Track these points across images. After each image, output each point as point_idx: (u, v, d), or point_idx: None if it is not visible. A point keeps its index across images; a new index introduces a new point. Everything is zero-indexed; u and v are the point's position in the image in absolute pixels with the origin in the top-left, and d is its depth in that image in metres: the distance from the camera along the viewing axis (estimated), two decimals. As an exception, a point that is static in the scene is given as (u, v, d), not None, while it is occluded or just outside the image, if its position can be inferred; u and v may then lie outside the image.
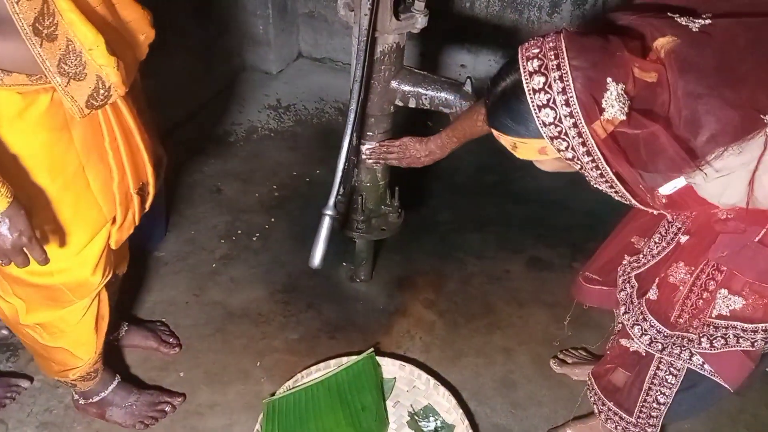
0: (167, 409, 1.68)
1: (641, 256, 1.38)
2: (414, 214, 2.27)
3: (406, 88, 1.53)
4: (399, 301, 2.07)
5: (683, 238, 1.22)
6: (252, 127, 2.79)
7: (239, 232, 2.27)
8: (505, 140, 1.01)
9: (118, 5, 1.06)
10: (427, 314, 2.04)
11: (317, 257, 1.38)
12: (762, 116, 0.90)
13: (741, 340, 1.17)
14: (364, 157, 1.69)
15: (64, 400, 1.69)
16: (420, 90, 1.52)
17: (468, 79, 1.51)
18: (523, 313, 2.05)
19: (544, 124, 0.91)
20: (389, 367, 1.80)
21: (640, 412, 1.41)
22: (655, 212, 1.17)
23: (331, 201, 1.37)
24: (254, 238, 2.25)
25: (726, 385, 1.25)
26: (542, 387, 1.84)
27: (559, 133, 0.91)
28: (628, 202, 1.03)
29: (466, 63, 2.95)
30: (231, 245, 2.21)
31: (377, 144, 1.66)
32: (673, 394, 1.34)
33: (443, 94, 1.51)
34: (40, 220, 1.13)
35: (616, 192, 1.00)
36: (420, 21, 1.44)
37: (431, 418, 1.71)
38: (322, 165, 2.59)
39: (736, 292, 1.14)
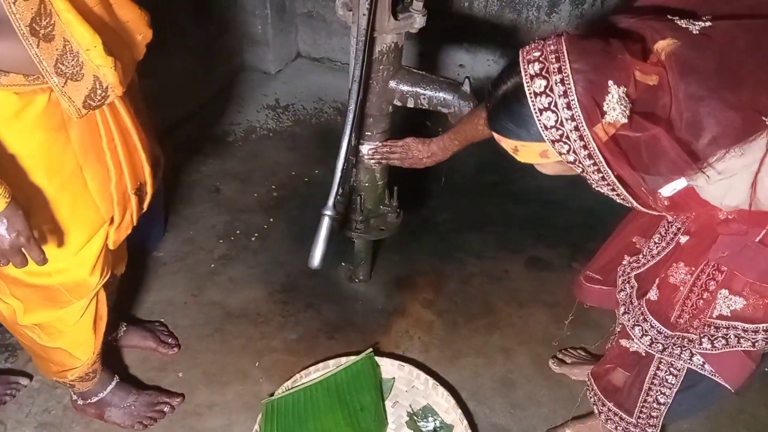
0: (166, 409, 1.68)
1: (641, 256, 1.38)
2: (413, 214, 2.27)
3: (405, 87, 1.53)
4: (398, 301, 2.07)
5: (683, 239, 1.22)
6: (251, 127, 2.79)
7: (238, 232, 2.27)
8: (507, 144, 1.01)
9: (116, 5, 1.06)
10: (426, 314, 2.04)
11: (317, 257, 1.38)
12: (763, 118, 0.90)
13: (742, 341, 1.17)
14: (364, 156, 1.69)
15: (62, 400, 1.69)
16: (418, 90, 1.52)
17: (466, 79, 1.51)
18: (523, 313, 2.05)
19: (546, 128, 0.91)
20: (388, 367, 1.80)
21: (641, 412, 1.41)
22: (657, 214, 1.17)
23: (331, 201, 1.37)
24: (253, 238, 2.25)
25: (727, 386, 1.25)
26: (541, 387, 1.84)
27: (561, 136, 0.91)
28: (629, 205, 1.03)
29: (464, 63, 2.95)
30: (230, 245, 2.21)
31: (380, 143, 1.66)
32: (674, 394, 1.34)
33: (441, 94, 1.51)
34: (37, 221, 1.13)
35: (618, 195, 1.00)
36: (418, 21, 1.44)
37: (430, 418, 1.71)
38: (320, 165, 2.59)
39: (737, 293, 1.14)
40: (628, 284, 1.40)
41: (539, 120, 0.91)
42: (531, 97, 0.91)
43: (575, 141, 0.91)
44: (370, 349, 1.81)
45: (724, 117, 0.89)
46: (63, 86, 0.98)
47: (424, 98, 1.52)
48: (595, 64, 0.88)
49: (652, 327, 1.27)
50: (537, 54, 0.91)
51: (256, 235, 2.26)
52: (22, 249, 1.02)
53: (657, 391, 1.36)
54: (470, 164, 2.54)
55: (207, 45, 2.78)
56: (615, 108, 0.88)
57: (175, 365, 1.81)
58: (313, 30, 3.15)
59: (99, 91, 1.03)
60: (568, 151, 0.93)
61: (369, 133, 1.64)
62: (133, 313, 1.95)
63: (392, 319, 2.01)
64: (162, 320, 1.93)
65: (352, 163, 1.71)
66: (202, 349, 1.86)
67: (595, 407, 1.54)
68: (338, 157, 1.36)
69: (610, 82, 0.88)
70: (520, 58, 0.93)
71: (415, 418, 1.72)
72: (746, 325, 1.16)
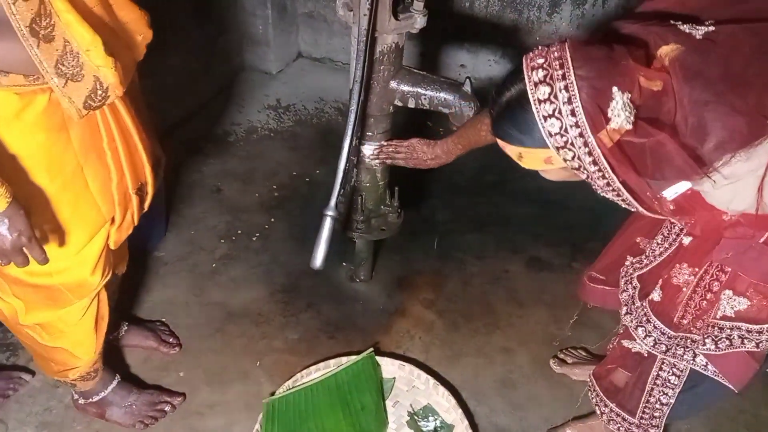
0: (167, 408, 1.68)
1: (644, 257, 1.38)
2: (414, 214, 2.27)
3: (406, 88, 1.53)
4: (398, 301, 2.07)
5: (686, 239, 1.22)
6: (252, 127, 2.79)
7: (239, 232, 2.27)
8: (511, 150, 1.01)
9: (116, 6, 1.06)
10: (426, 314, 2.04)
11: (319, 258, 1.38)
12: None
13: (746, 341, 1.17)
14: (366, 156, 1.69)
15: (63, 399, 1.69)
16: (419, 90, 1.52)
17: (467, 79, 1.51)
18: (523, 313, 2.05)
19: (550, 134, 0.91)
20: (389, 366, 1.80)
21: (643, 413, 1.41)
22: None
23: (333, 201, 1.37)
24: (254, 238, 2.25)
25: (731, 386, 1.25)
26: (542, 387, 1.84)
27: (565, 143, 0.91)
28: (634, 209, 1.03)
29: (465, 63, 2.95)
30: (231, 245, 2.21)
31: (386, 143, 1.66)
32: (676, 395, 1.34)
33: (442, 94, 1.51)
34: (39, 220, 1.13)
35: (623, 200, 1.00)
36: (419, 21, 1.44)
37: (431, 418, 1.71)
38: (321, 165, 2.59)
39: (741, 293, 1.14)
40: (630, 285, 1.40)
41: (543, 127, 0.91)
42: (535, 104, 0.91)
43: (580, 147, 0.91)
44: (371, 349, 1.81)
45: (730, 121, 0.89)
46: (63, 87, 0.99)
47: (425, 98, 1.52)
48: (599, 70, 0.88)
49: (656, 328, 1.27)
50: (541, 61, 0.91)
51: (257, 235, 2.26)
52: (24, 249, 1.02)
53: (659, 392, 1.35)
54: (471, 164, 2.54)
55: (208, 45, 2.79)
56: (619, 114, 0.88)
57: (176, 365, 1.82)
58: (314, 30, 3.15)
59: (99, 92, 1.03)
60: (573, 158, 0.93)
61: (370, 134, 1.64)
62: (135, 312, 1.95)
63: (393, 319, 2.01)
64: (163, 320, 1.93)
65: (353, 163, 1.71)
66: (204, 349, 1.87)
67: (597, 408, 1.53)
68: (340, 158, 1.37)
69: (615, 89, 0.88)
70: (524, 65, 0.93)
71: (416, 417, 1.72)
72: (750, 326, 1.16)
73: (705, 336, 1.20)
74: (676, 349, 1.26)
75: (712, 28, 0.93)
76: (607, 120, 0.88)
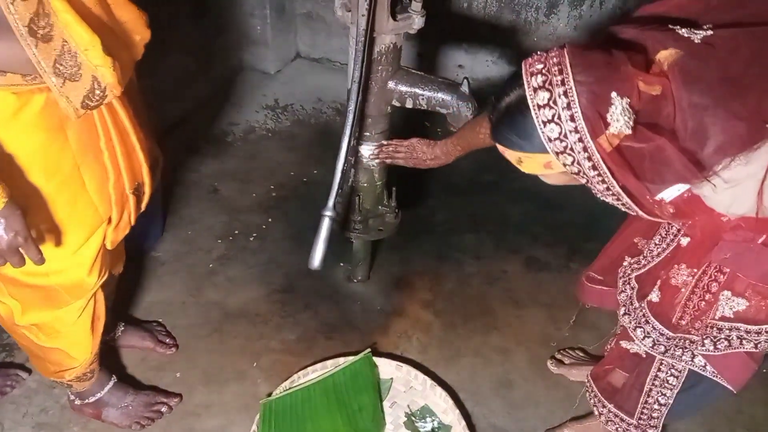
0: (163, 409, 1.68)
1: (642, 257, 1.39)
2: (411, 215, 2.27)
3: (403, 88, 1.53)
4: (396, 302, 2.07)
5: (684, 240, 1.23)
6: (249, 127, 2.79)
7: (236, 232, 2.27)
8: (510, 155, 1.01)
9: (114, 6, 1.06)
10: (424, 314, 2.04)
11: (317, 258, 1.37)
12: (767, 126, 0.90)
13: (744, 342, 1.17)
14: (365, 156, 1.69)
15: (60, 400, 1.69)
16: (417, 90, 1.52)
17: (465, 80, 1.51)
18: (521, 314, 2.05)
19: (550, 140, 0.91)
20: (386, 367, 1.80)
21: (641, 413, 1.41)
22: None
23: (331, 202, 1.37)
24: (251, 239, 2.24)
25: (730, 387, 1.26)
26: (539, 387, 1.84)
27: (565, 148, 0.91)
28: (634, 213, 1.04)
29: (463, 63, 2.95)
30: (228, 245, 2.21)
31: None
32: (674, 395, 1.34)
33: (440, 95, 1.51)
34: (35, 220, 1.12)
35: (623, 204, 1.00)
36: (417, 21, 1.44)
37: (428, 419, 1.71)
38: (319, 165, 2.59)
39: (740, 294, 1.14)
40: (628, 285, 1.40)
41: (543, 132, 0.91)
42: (534, 110, 0.91)
43: (579, 153, 0.91)
44: (369, 350, 1.81)
45: (729, 125, 0.89)
46: (61, 86, 0.98)
47: (422, 99, 1.52)
48: (598, 75, 0.88)
49: (654, 329, 1.27)
50: (540, 66, 0.91)
51: (254, 235, 2.26)
52: (20, 249, 1.02)
53: (658, 393, 1.36)
54: (469, 165, 2.54)
55: (206, 45, 2.78)
56: (619, 119, 0.88)
57: (173, 365, 1.81)
58: (312, 30, 3.15)
59: (97, 92, 1.03)
60: (573, 163, 0.93)
61: (368, 134, 1.64)
62: (131, 313, 1.94)
63: (390, 320, 2.01)
64: (160, 320, 1.93)
65: (351, 163, 1.71)
66: (201, 349, 1.86)
67: (595, 408, 1.54)
68: (338, 158, 1.36)
69: (614, 94, 0.88)
70: (523, 71, 0.93)
71: (413, 418, 1.72)
72: (749, 327, 1.16)
73: (704, 337, 1.21)
74: (674, 350, 1.26)
75: (710, 32, 0.93)
76: (607, 125, 0.88)
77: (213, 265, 2.13)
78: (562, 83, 0.88)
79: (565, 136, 0.90)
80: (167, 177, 2.25)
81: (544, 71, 0.90)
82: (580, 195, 1.08)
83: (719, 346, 1.20)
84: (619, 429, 1.47)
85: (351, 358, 1.79)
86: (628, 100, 0.88)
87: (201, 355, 1.85)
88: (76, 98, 1.01)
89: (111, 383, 1.63)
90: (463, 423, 1.66)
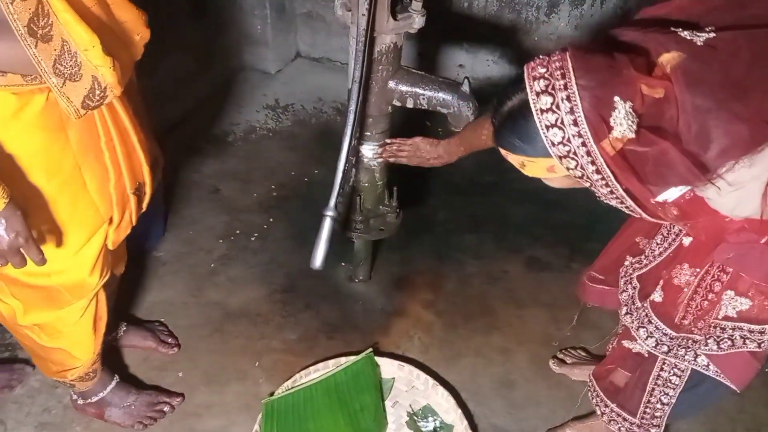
0: (166, 409, 1.68)
1: (643, 257, 1.39)
2: (412, 214, 2.27)
3: (404, 88, 1.53)
4: (397, 302, 2.07)
5: (686, 240, 1.22)
6: (250, 127, 2.79)
7: (237, 232, 2.27)
8: (513, 159, 1.01)
9: (113, 6, 1.06)
10: (425, 314, 2.04)
11: (318, 258, 1.37)
12: None
13: (748, 341, 1.17)
14: (366, 155, 1.69)
15: (62, 400, 1.69)
16: (418, 90, 1.52)
17: (465, 79, 1.51)
18: (522, 314, 2.05)
19: (553, 144, 0.91)
20: (388, 367, 1.80)
21: (644, 413, 1.41)
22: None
23: (332, 202, 1.37)
24: (252, 238, 2.25)
25: (733, 386, 1.25)
26: (541, 387, 1.84)
27: (568, 152, 0.91)
28: (638, 216, 1.03)
29: (464, 63, 2.95)
30: (229, 245, 2.21)
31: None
32: (677, 395, 1.34)
33: (441, 94, 1.51)
34: (36, 221, 1.13)
35: (626, 207, 1.00)
36: (417, 21, 1.43)
37: (430, 419, 1.71)
38: (320, 165, 2.59)
39: (743, 294, 1.14)
40: (630, 285, 1.40)
41: (546, 136, 0.91)
42: (537, 114, 0.91)
43: (583, 157, 0.91)
44: (370, 349, 1.81)
45: (733, 128, 0.89)
46: (61, 86, 0.98)
47: (423, 98, 1.52)
48: (601, 80, 0.88)
49: (657, 329, 1.26)
50: (542, 71, 0.91)
51: (255, 235, 2.26)
52: (21, 249, 1.02)
53: (660, 392, 1.36)
54: (469, 164, 2.53)
55: (206, 45, 2.78)
56: (622, 123, 0.88)
57: (175, 365, 1.81)
58: (312, 30, 3.14)
59: (97, 92, 1.03)
60: (576, 167, 0.93)
61: (369, 134, 1.64)
62: (133, 313, 1.95)
63: (392, 320, 2.01)
64: (162, 320, 1.93)
65: (352, 163, 1.71)
66: (202, 349, 1.86)
67: (597, 408, 1.53)
68: (339, 158, 1.36)
69: (617, 98, 0.88)
70: (525, 75, 0.93)
71: (415, 418, 1.72)
72: (752, 326, 1.16)
73: (707, 336, 1.20)
74: (677, 349, 1.26)
75: (712, 34, 0.93)
76: (610, 129, 0.88)
77: (214, 265, 2.13)
78: (565, 87, 0.88)
79: (569, 140, 0.90)
80: (168, 177, 2.25)
81: (546, 75, 0.90)
82: (581, 195, 1.08)
83: (722, 346, 1.20)
84: (621, 428, 1.47)
85: (353, 358, 1.79)
86: (631, 104, 0.88)
87: (203, 355, 1.85)
88: (76, 98, 1.01)
89: (113, 383, 1.63)
90: (465, 423, 1.66)
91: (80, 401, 1.62)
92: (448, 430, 1.69)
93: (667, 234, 1.32)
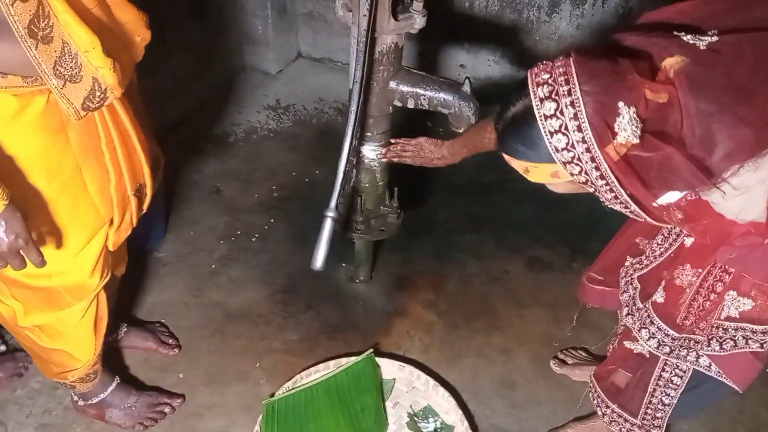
0: (166, 410, 1.68)
1: (644, 257, 1.38)
2: (413, 215, 2.27)
3: (405, 88, 1.52)
4: (398, 302, 2.07)
5: (687, 240, 1.22)
6: (251, 128, 2.79)
7: (238, 232, 2.27)
8: (517, 164, 1.01)
9: (114, 7, 1.06)
10: (426, 315, 2.03)
11: (319, 259, 1.37)
12: None
13: (750, 342, 1.17)
14: (367, 157, 1.69)
15: (63, 401, 1.69)
16: (419, 90, 1.52)
17: (466, 80, 1.51)
18: (523, 314, 2.05)
19: (557, 150, 0.91)
20: (388, 367, 1.80)
21: (645, 413, 1.41)
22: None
23: (333, 202, 1.37)
24: (253, 239, 2.24)
25: (735, 387, 1.25)
26: (542, 388, 1.84)
27: (572, 158, 0.91)
28: (642, 220, 1.03)
29: (465, 63, 2.95)
30: (230, 246, 2.21)
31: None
32: (679, 395, 1.34)
33: (442, 95, 1.50)
34: (37, 222, 1.13)
35: (631, 212, 1.00)
36: (418, 21, 1.43)
37: (431, 419, 1.71)
38: (321, 165, 2.59)
39: (745, 294, 1.14)
40: (631, 286, 1.39)
41: (550, 142, 0.91)
42: (541, 120, 0.91)
43: (587, 162, 0.91)
44: (371, 350, 1.81)
45: (737, 132, 0.89)
46: (62, 88, 0.98)
47: (424, 99, 1.52)
48: (605, 85, 0.88)
49: (659, 329, 1.26)
50: (546, 76, 0.91)
51: (256, 235, 2.26)
52: (21, 251, 1.02)
53: (662, 393, 1.35)
54: (470, 164, 2.51)
55: (207, 45, 2.78)
56: (626, 129, 0.88)
57: (176, 366, 1.81)
58: (313, 30, 3.14)
59: (98, 93, 1.03)
60: (580, 172, 0.93)
61: (370, 134, 1.64)
62: (134, 313, 1.95)
63: (393, 320, 2.01)
64: (163, 321, 1.93)
65: (353, 164, 1.71)
66: (203, 350, 1.86)
67: (598, 409, 1.53)
68: (340, 159, 1.36)
69: (621, 104, 0.87)
70: (529, 81, 0.92)
71: (416, 418, 1.72)
72: (755, 327, 1.16)
73: (709, 337, 1.20)
74: (679, 350, 1.26)
75: (715, 38, 0.93)
76: (614, 135, 0.88)
77: (215, 265, 2.13)
78: (569, 93, 0.88)
79: (573, 146, 0.90)
80: (169, 177, 2.25)
81: (550, 81, 0.90)
82: (582, 195, 1.08)
83: (725, 347, 1.19)
84: (622, 429, 1.47)
85: (353, 359, 1.78)
86: (635, 109, 0.88)
87: (203, 355, 1.85)
88: (76, 100, 1.01)
89: (114, 384, 1.63)
90: (466, 423, 1.66)
91: (81, 402, 1.62)
92: (449, 430, 1.69)
93: (668, 234, 1.32)
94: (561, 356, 1.90)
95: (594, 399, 1.55)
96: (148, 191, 1.37)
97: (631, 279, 1.39)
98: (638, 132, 0.88)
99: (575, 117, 0.88)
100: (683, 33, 0.94)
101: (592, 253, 1.63)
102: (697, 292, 1.19)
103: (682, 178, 0.91)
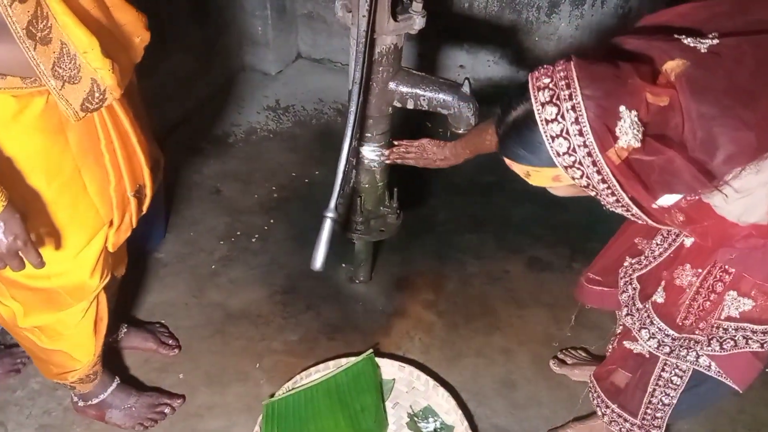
0: (167, 410, 1.68)
1: (643, 257, 1.38)
2: (413, 215, 2.27)
3: (404, 89, 1.52)
4: (398, 302, 2.07)
5: (687, 241, 1.22)
6: (251, 128, 2.79)
7: (238, 233, 2.27)
8: (518, 168, 1.01)
9: (113, 8, 1.06)
10: (426, 315, 2.04)
11: (319, 259, 1.37)
12: None
13: (750, 342, 1.17)
14: (366, 157, 1.69)
15: (63, 402, 1.69)
16: (418, 91, 1.52)
17: (466, 80, 1.51)
18: (523, 314, 2.05)
19: (558, 154, 0.91)
20: (388, 368, 1.80)
21: (645, 413, 1.41)
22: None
23: (332, 203, 1.37)
24: (253, 239, 2.25)
25: (736, 387, 1.25)
26: (542, 388, 1.84)
27: (574, 162, 0.91)
28: (643, 223, 1.03)
29: (464, 64, 2.94)
30: (230, 246, 2.21)
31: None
32: (678, 395, 1.34)
33: (441, 96, 1.50)
34: (36, 224, 1.13)
35: (632, 215, 1.00)
36: (418, 22, 1.43)
37: (431, 419, 1.71)
38: (321, 166, 2.59)
39: (745, 294, 1.14)
40: (630, 286, 1.39)
41: (551, 147, 0.91)
42: (542, 125, 0.91)
43: (588, 166, 0.91)
44: (371, 350, 1.81)
45: (739, 135, 0.89)
46: (60, 89, 0.98)
47: (423, 99, 1.52)
48: (606, 89, 0.88)
49: (660, 330, 1.26)
50: (547, 81, 0.91)
51: (256, 236, 2.26)
52: (20, 253, 1.02)
53: (662, 393, 1.35)
54: (469, 164, 2.51)
55: (207, 46, 2.78)
56: (627, 132, 0.88)
57: (176, 366, 1.81)
58: (313, 31, 3.14)
59: (97, 94, 1.03)
60: (581, 176, 0.93)
61: (369, 135, 1.64)
62: (134, 314, 1.95)
63: (392, 320, 2.01)
64: (163, 321, 1.93)
65: (353, 164, 1.71)
66: (203, 351, 1.86)
67: (598, 409, 1.53)
68: (340, 159, 1.36)
69: (622, 108, 0.87)
70: (530, 85, 0.92)
71: (416, 419, 1.72)
72: (755, 327, 1.16)
73: (709, 337, 1.20)
74: (679, 350, 1.26)
75: (716, 41, 0.92)
76: (615, 139, 0.88)
77: (215, 266, 2.13)
78: (570, 98, 0.88)
79: (574, 150, 0.90)
80: (169, 178, 2.25)
81: (551, 85, 0.90)
82: (583, 196, 1.08)
83: (725, 347, 1.19)
84: (622, 429, 1.47)
85: (353, 359, 1.79)
86: (637, 113, 0.88)
87: (204, 356, 1.85)
88: (75, 101, 1.01)
89: (114, 385, 1.63)
90: (466, 423, 1.66)
91: (81, 403, 1.62)
92: (449, 430, 1.69)
93: (667, 234, 1.31)
94: (561, 356, 1.90)
95: (594, 399, 1.55)
96: (148, 192, 1.37)
97: (631, 279, 1.39)
98: (639, 136, 0.88)
99: (576, 121, 0.88)
100: (684, 36, 0.94)
101: (592, 253, 1.63)
102: (697, 292, 1.19)
103: (684, 181, 0.91)
